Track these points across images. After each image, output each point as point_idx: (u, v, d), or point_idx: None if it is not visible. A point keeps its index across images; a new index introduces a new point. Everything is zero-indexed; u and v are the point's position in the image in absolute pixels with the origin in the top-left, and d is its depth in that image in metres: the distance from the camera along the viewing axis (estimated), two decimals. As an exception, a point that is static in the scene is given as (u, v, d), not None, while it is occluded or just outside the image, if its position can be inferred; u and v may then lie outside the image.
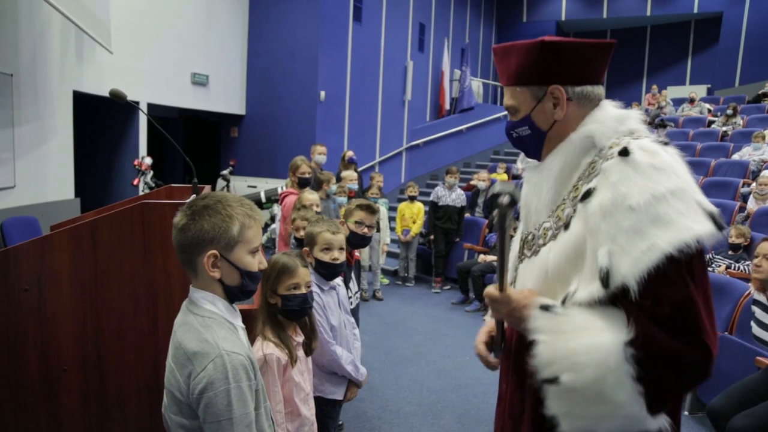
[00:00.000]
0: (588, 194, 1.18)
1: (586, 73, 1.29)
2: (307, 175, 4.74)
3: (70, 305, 1.65)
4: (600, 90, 1.32)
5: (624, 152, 1.15)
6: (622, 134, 1.23)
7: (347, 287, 2.54)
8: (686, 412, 3.75)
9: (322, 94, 8.69)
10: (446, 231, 6.90)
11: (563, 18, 15.09)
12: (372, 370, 4.43)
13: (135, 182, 6.44)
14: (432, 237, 6.99)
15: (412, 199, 7.00)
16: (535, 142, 1.34)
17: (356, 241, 2.54)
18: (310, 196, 3.75)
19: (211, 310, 1.30)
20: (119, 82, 6.80)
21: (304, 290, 1.98)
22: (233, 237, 1.30)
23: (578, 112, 1.29)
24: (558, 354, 1.11)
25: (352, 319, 2.46)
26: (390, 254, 7.47)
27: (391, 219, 7.48)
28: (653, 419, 1.08)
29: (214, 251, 1.28)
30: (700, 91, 12.80)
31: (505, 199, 1.13)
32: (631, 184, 1.10)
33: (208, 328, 1.26)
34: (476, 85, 13.44)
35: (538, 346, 1.14)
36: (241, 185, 8.88)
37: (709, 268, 4.85)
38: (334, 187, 5.20)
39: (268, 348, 1.86)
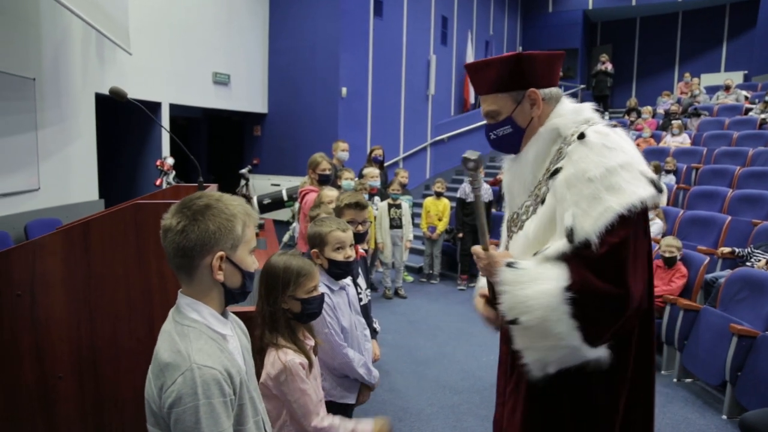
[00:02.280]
0: (556, 172, 1.46)
1: (551, 77, 1.59)
2: (327, 172, 4.66)
3: (63, 310, 1.59)
4: (559, 90, 1.62)
5: (581, 136, 1.44)
6: (579, 123, 1.52)
7: (356, 284, 2.44)
8: (725, 416, 3.55)
9: (344, 90, 8.61)
10: (475, 228, 6.75)
11: (590, 7, 14.67)
12: (394, 371, 4.34)
13: (157, 182, 6.48)
14: (461, 235, 6.84)
15: (438, 195, 6.86)
16: (515, 138, 1.60)
17: (354, 238, 2.43)
18: (330, 192, 3.66)
19: (193, 318, 1.22)
20: (141, 83, 6.85)
21: (319, 290, 1.92)
22: (238, 236, 1.25)
23: (547, 109, 1.58)
24: (516, 300, 1.39)
25: (363, 320, 2.36)
26: (414, 251, 7.36)
27: (416, 215, 7.36)
28: (592, 350, 1.36)
29: (222, 252, 1.23)
30: (736, 77, 12.29)
31: (470, 164, 1.48)
32: (589, 161, 1.39)
33: (185, 338, 1.18)
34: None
35: (502, 295, 1.42)
36: (264, 183, 8.88)
37: (748, 263, 4.60)
38: (348, 182, 5.11)
39: (287, 355, 1.76)
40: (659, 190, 1.39)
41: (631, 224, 1.36)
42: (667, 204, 6.56)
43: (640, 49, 15.30)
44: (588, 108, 1.58)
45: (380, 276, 6.60)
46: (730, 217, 5.39)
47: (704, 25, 14.17)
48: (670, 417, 3.60)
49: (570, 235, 1.37)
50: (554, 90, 1.59)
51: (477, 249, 1.56)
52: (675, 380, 4.13)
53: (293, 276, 1.85)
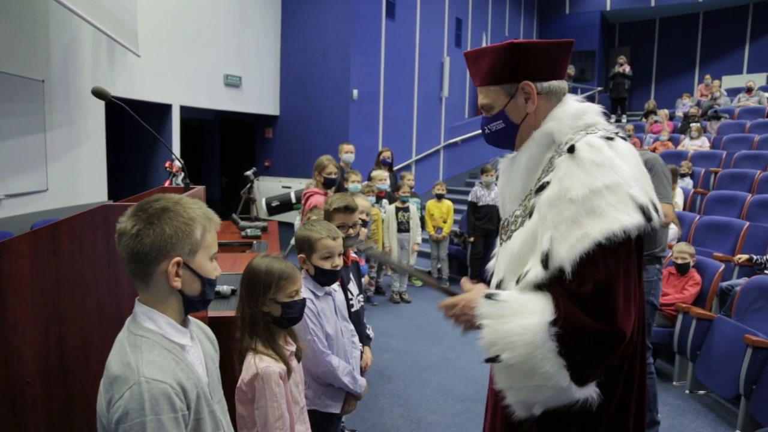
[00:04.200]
0: (542, 187, 1.33)
1: (552, 69, 1.43)
2: (333, 176, 4.60)
3: (31, 315, 1.55)
4: (564, 84, 1.46)
5: (571, 149, 1.29)
6: (578, 129, 1.36)
7: (347, 290, 2.37)
8: (738, 431, 3.40)
9: (355, 92, 8.56)
10: (487, 232, 6.65)
11: (608, 8, 14.45)
12: (396, 377, 4.26)
13: (166, 184, 6.48)
14: (472, 239, 6.74)
15: (439, 197, 6.79)
16: (508, 134, 1.48)
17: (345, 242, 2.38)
18: (364, 202, 3.39)
19: (148, 327, 1.17)
20: (151, 85, 6.88)
21: (301, 295, 1.87)
22: (196, 241, 1.20)
23: (546, 105, 1.43)
24: (497, 336, 1.25)
25: (351, 326, 2.29)
26: (423, 254, 7.28)
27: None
28: (580, 390, 1.23)
29: (179, 258, 1.17)
30: (758, 79, 11.99)
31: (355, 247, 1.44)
32: (574, 179, 1.25)
33: (136, 349, 1.12)
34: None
35: (483, 330, 1.28)
36: (275, 185, 8.87)
37: (766, 271, 4.44)
38: (355, 185, 5.05)
39: (262, 362, 1.71)
40: (649, 219, 1.23)
41: (621, 255, 1.22)
42: (684, 209, 6.39)
43: (660, 50, 15.02)
44: (593, 111, 1.42)
45: (389, 280, 6.52)
46: (748, 223, 5.21)
47: (726, 26, 13.86)
48: (681, 430, 3.46)
49: (545, 260, 1.25)
50: (555, 84, 1.43)
51: (443, 303, 1.41)
52: (687, 392, 3.98)
53: (275, 279, 1.80)
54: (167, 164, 6.66)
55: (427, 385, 4.11)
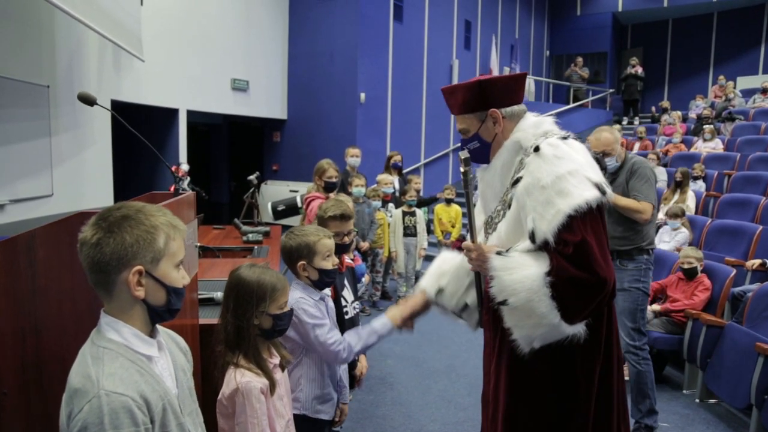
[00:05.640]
0: (516, 181, 1.66)
1: (512, 97, 1.79)
2: (333, 179, 4.56)
3: (7, 324, 1.51)
4: (523, 107, 1.82)
5: (536, 149, 1.63)
6: (538, 136, 1.69)
7: (342, 296, 2.32)
8: (748, 441, 3.30)
9: (362, 96, 8.53)
10: None
11: (620, 9, 14.30)
12: (398, 384, 4.20)
13: (172, 189, 6.47)
14: None
15: (448, 201, 6.72)
16: (483, 151, 1.83)
17: (339, 249, 2.32)
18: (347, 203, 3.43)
19: (111, 338, 1.13)
20: (158, 89, 6.90)
21: (289, 305, 1.82)
22: (159, 249, 1.16)
23: (510, 124, 1.79)
24: (505, 284, 1.58)
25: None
26: (430, 258, 7.20)
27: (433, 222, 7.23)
28: (570, 327, 1.55)
29: (140, 267, 1.13)
30: (774, 80, 11.78)
31: (463, 155, 1.71)
32: (542, 170, 1.59)
33: (98, 361, 1.09)
34: (527, 82, 12.90)
35: (493, 280, 1.60)
36: (283, 189, 8.86)
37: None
38: (359, 189, 5.00)
39: (244, 377, 1.66)
40: (603, 192, 1.58)
41: (588, 221, 1.55)
42: (696, 212, 6.26)
43: (673, 51, 14.83)
44: (548, 121, 1.77)
45: (395, 285, 6.46)
46: (761, 227, 5.08)
47: (741, 26, 13.65)
48: (689, 441, 3.37)
49: (532, 236, 1.57)
50: (516, 108, 1.79)
51: (467, 243, 1.75)
52: (697, 401, 3.87)
53: (268, 291, 1.75)
54: (173, 168, 6.66)
55: (429, 392, 4.04)
